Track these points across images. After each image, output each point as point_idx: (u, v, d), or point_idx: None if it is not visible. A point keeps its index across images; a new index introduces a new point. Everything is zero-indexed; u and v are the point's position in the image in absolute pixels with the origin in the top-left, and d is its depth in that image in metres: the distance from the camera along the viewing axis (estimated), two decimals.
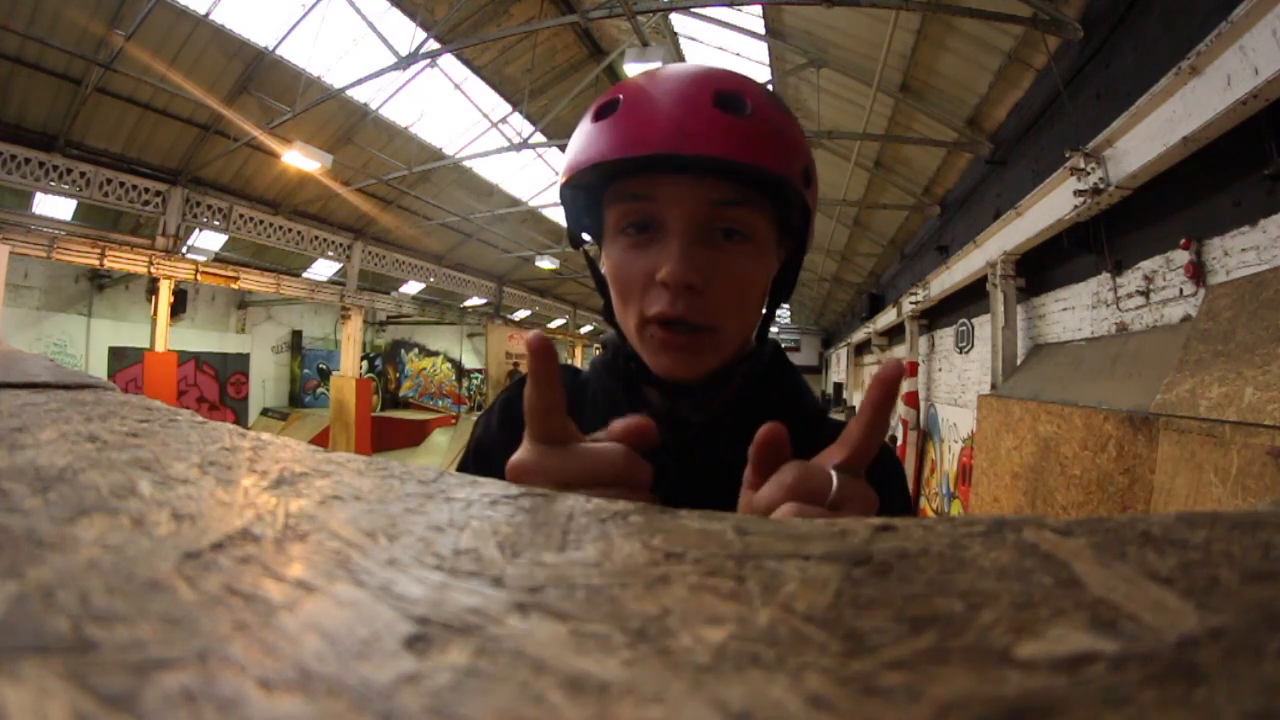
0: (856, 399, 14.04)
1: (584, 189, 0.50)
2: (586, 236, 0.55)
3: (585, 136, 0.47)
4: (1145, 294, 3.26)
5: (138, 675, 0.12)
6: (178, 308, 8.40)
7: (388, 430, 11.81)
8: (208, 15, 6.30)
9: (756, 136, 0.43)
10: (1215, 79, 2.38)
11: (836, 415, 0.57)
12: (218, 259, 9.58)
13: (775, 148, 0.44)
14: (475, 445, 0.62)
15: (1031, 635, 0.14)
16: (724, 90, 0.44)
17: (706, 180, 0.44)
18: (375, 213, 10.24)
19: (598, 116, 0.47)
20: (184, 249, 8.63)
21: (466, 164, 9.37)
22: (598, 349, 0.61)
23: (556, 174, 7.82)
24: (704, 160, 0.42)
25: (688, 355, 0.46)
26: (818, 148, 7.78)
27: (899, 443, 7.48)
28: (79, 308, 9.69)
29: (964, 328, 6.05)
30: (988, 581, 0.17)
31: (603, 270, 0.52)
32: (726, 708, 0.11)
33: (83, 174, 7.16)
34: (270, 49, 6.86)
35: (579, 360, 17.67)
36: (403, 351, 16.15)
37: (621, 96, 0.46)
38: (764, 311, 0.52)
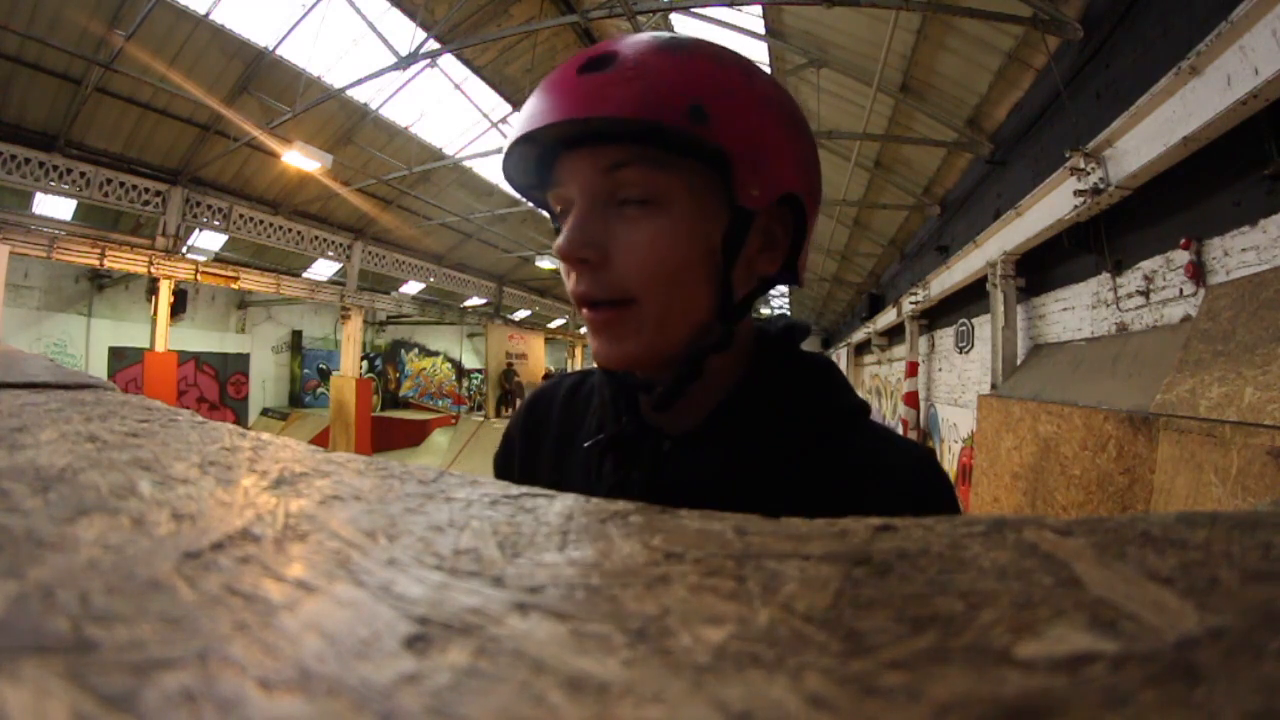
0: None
1: (521, 174, 0.47)
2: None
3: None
4: (1145, 294, 3.26)
5: (138, 675, 0.12)
6: (178, 308, 8.40)
7: (388, 430, 11.81)
8: (208, 15, 6.30)
9: (614, 87, 0.39)
10: (1215, 79, 2.38)
11: (889, 430, 0.48)
12: (218, 259, 9.58)
13: (637, 92, 0.38)
14: (503, 449, 0.62)
15: (1031, 635, 0.14)
16: (594, 55, 0.41)
17: (594, 149, 0.41)
18: (375, 213, 10.24)
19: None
20: (184, 249, 8.63)
21: (466, 164, 9.37)
22: None
23: None
24: (563, 126, 0.40)
25: (609, 335, 0.43)
26: (818, 147, 7.76)
27: None
28: (79, 308, 9.69)
29: (964, 328, 6.05)
30: (988, 581, 0.17)
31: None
32: (726, 708, 0.11)
33: (83, 174, 7.16)
34: (270, 49, 6.86)
35: (578, 360, 17.67)
36: (403, 351, 16.15)
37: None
38: (718, 291, 0.44)
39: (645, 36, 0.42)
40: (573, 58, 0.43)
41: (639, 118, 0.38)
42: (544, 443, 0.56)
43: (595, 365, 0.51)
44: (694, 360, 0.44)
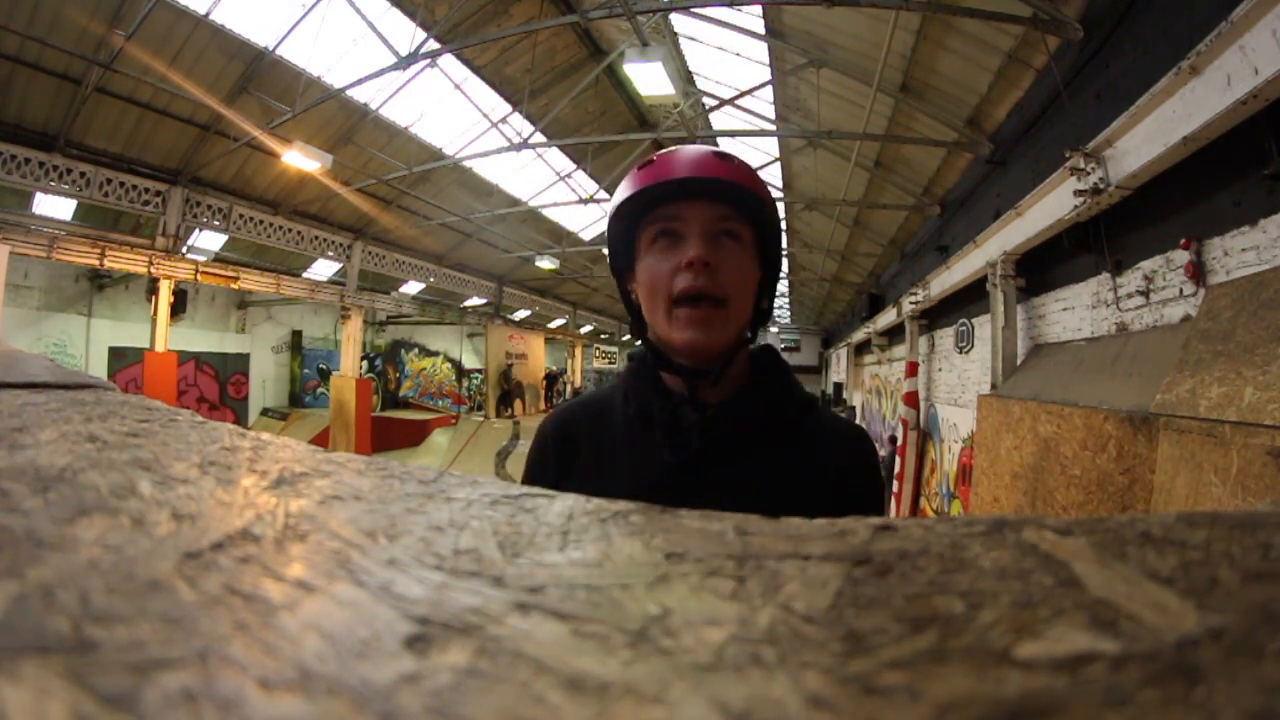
0: (856, 399, 14.05)
1: (625, 219, 0.68)
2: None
3: (631, 179, 0.67)
4: (1145, 294, 3.26)
5: (138, 675, 0.12)
6: (178, 308, 8.40)
7: (388, 430, 11.80)
8: (208, 15, 6.30)
9: (739, 173, 0.66)
10: (1215, 79, 2.38)
11: (836, 412, 0.77)
12: (218, 259, 9.58)
13: (751, 180, 0.66)
14: (531, 472, 0.76)
15: (1031, 635, 0.14)
16: (718, 152, 0.67)
17: (711, 203, 0.64)
18: (375, 213, 10.24)
19: (640, 168, 0.67)
20: (184, 249, 8.63)
21: (466, 164, 9.37)
22: (623, 363, 0.81)
23: (556, 173, 7.76)
24: (709, 182, 0.64)
25: (706, 327, 0.63)
26: (818, 148, 7.78)
27: (899, 443, 7.49)
28: (79, 308, 9.69)
29: (964, 328, 6.05)
30: (988, 581, 0.17)
31: (632, 294, 0.71)
32: (726, 708, 0.11)
33: (83, 174, 7.16)
34: (270, 49, 6.86)
35: (578, 360, 17.70)
36: (403, 351, 16.14)
37: (654, 157, 0.67)
38: (752, 312, 0.69)
39: (739, 158, 0.69)
40: (696, 147, 0.68)
41: (754, 191, 0.66)
42: (577, 454, 0.72)
43: (626, 375, 0.72)
44: (736, 350, 0.67)
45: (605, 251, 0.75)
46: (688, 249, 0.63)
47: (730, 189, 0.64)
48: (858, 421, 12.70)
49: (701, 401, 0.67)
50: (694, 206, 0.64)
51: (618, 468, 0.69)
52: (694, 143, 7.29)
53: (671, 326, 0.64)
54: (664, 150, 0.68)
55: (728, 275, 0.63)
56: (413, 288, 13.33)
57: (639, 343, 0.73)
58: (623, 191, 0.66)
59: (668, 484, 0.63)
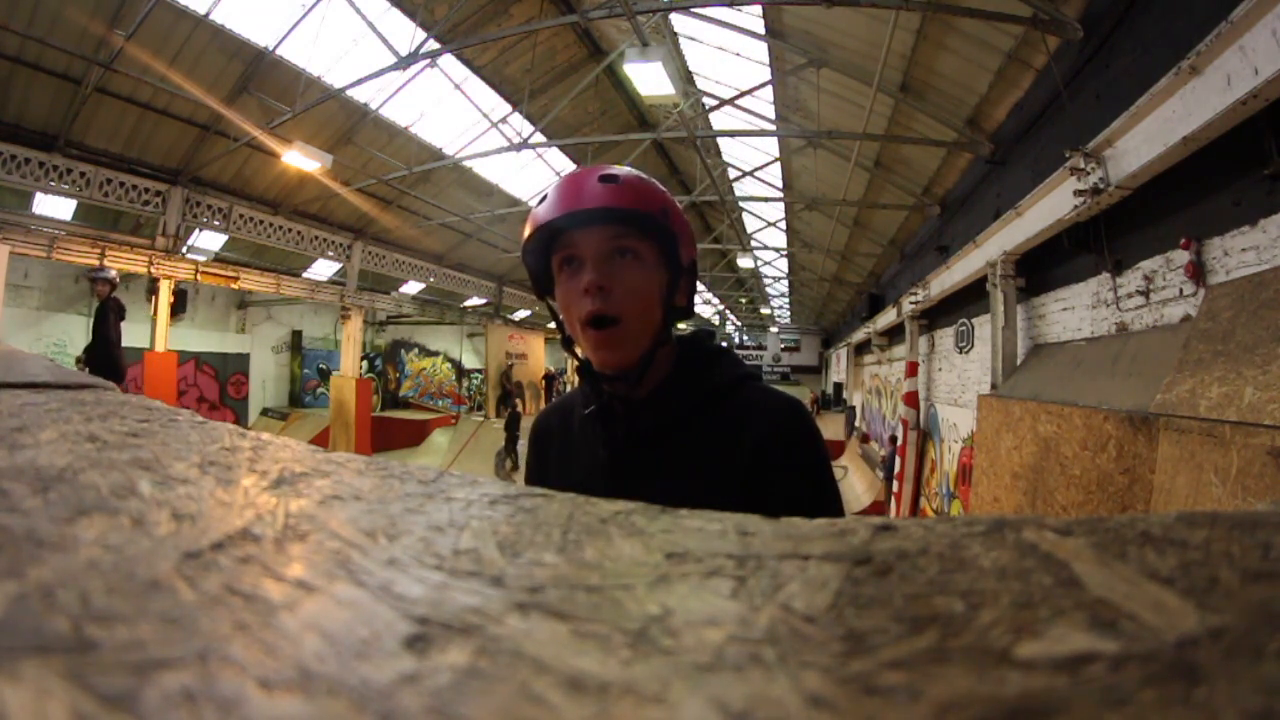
0: (856, 399, 14.04)
1: (535, 252, 0.74)
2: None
3: (531, 217, 0.71)
4: (1145, 294, 3.26)
5: (138, 675, 0.12)
6: (178, 308, 8.39)
7: (388, 430, 11.80)
8: (208, 15, 6.29)
9: (623, 193, 0.69)
10: (1215, 79, 2.38)
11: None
12: (218, 259, 9.58)
13: (634, 199, 0.69)
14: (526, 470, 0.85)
15: (1031, 635, 0.14)
16: (604, 173, 0.70)
17: (600, 226, 0.69)
18: (375, 213, 10.24)
19: (539, 203, 0.71)
20: (184, 249, 8.62)
21: (466, 164, 9.37)
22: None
23: (556, 173, 7.80)
24: (594, 212, 0.68)
25: (611, 348, 0.69)
26: (818, 148, 7.78)
27: (899, 442, 7.49)
28: (79, 308, 9.68)
29: (964, 328, 6.05)
30: (988, 581, 0.17)
31: (555, 309, 0.75)
32: (726, 707, 0.11)
33: (83, 174, 7.16)
34: (270, 49, 6.86)
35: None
36: (403, 351, 16.14)
37: (549, 191, 0.72)
38: (665, 313, 0.73)
39: (628, 170, 0.73)
40: (586, 171, 0.71)
41: (641, 210, 0.69)
42: (550, 451, 0.81)
43: (575, 383, 0.80)
44: (653, 352, 0.71)
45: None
46: (584, 275, 0.69)
47: (615, 214, 0.68)
48: (857, 422, 12.73)
49: (629, 399, 0.73)
50: (586, 233, 0.69)
51: (575, 463, 0.77)
52: (694, 143, 7.33)
53: (585, 346, 0.71)
54: (560, 180, 0.73)
55: (621, 292, 0.68)
56: (413, 288, 13.32)
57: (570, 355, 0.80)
58: (527, 228, 0.72)
59: (605, 475, 0.72)
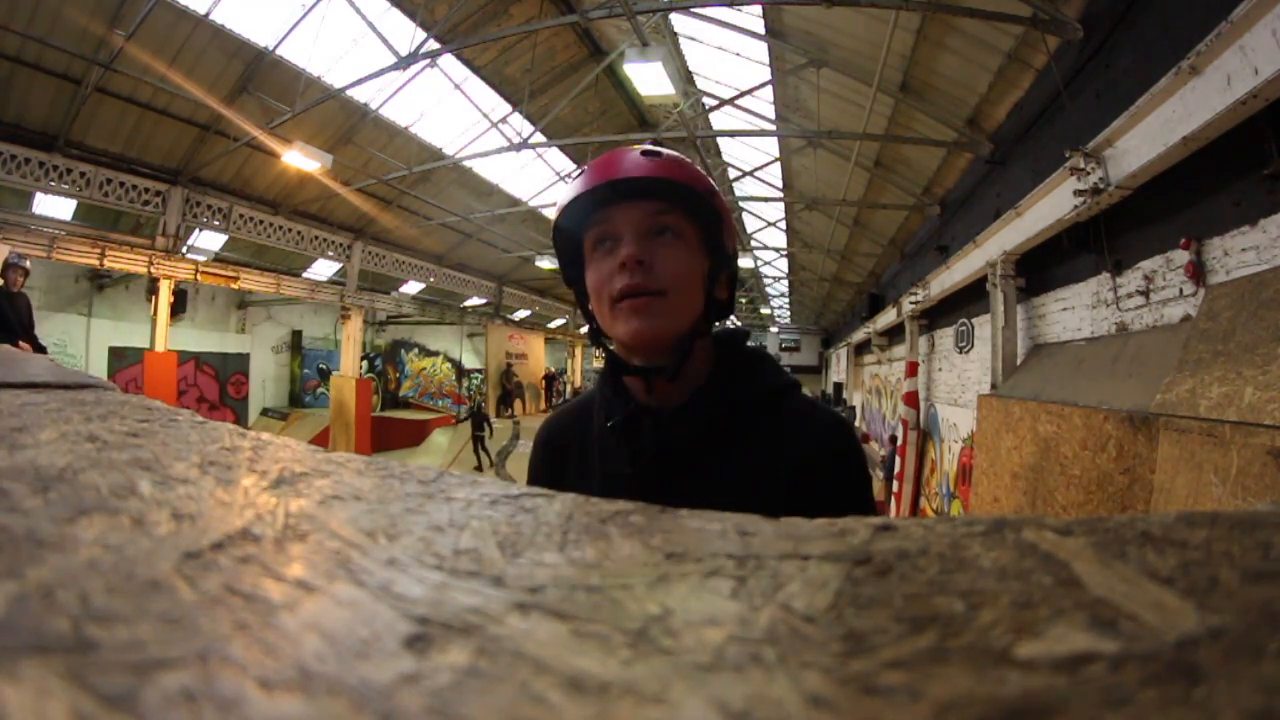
0: (856, 399, 14.04)
1: (566, 232, 0.69)
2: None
3: (566, 190, 0.67)
4: (1145, 294, 3.26)
5: (138, 675, 0.12)
6: (178, 308, 8.39)
7: (388, 430, 11.80)
8: (208, 15, 6.29)
9: (669, 166, 0.65)
10: (1215, 79, 2.38)
11: (818, 401, 0.74)
12: (218, 259, 9.57)
13: (679, 173, 0.65)
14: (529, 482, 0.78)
15: (1031, 635, 0.14)
16: (645, 149, 0.67)
17: (642, 202, 0.64)
18: (375, 213, 10.24)
19: (574, 179, 0.68)
20: (184, 249, 8.62)
21: (466, 164, 9.37)
22: (601, 362, 0.77)
23: (556, 173, 7.78)
24: (637, 181, 0.64)
25: (647, 316, 0.62)
26: (818, 148, 7.78)
27: (899, 443, 7.49)
28: (79, 307, 9.69)
29: (964, 328, 6.05)
30: (988, 581, 0.17)
31: (589, 303, 0.70)
32: (726, 708, 0.11)
33: (83, 174, 7.16)
34: (270, 49, 6.86)
35: (578, 360, 17.72)
36: (403, 351, 16.14)
37: (586, 166, 0.68)
38: (706, 301, 0.67)
39: (670, 151, 0.69)
40: (623, 149, 0.68)
41: (683, 183, 0.64)
42: (569, 460, 0.74)
43: (576, 385, 0.86)
44: (689, 341, 0.65)
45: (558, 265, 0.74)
46: (622, 250, 0.63)
47: (659, 185, 0.64)
48: (857, 422, 12.73)
49: (658, 408, 0.66)
50: (626, 208, 0.64)
51: (593, 475, 0.69)
52: (694, 143, 7.33)
53: (615, 321, 0.63)
54: (596, 159, 0.69)
55: (663, 268, 0.63)
56: (413, 288, 13.32)
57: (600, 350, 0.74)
58: (561, 200, 0.67)
59: (628, 493, 0.58)
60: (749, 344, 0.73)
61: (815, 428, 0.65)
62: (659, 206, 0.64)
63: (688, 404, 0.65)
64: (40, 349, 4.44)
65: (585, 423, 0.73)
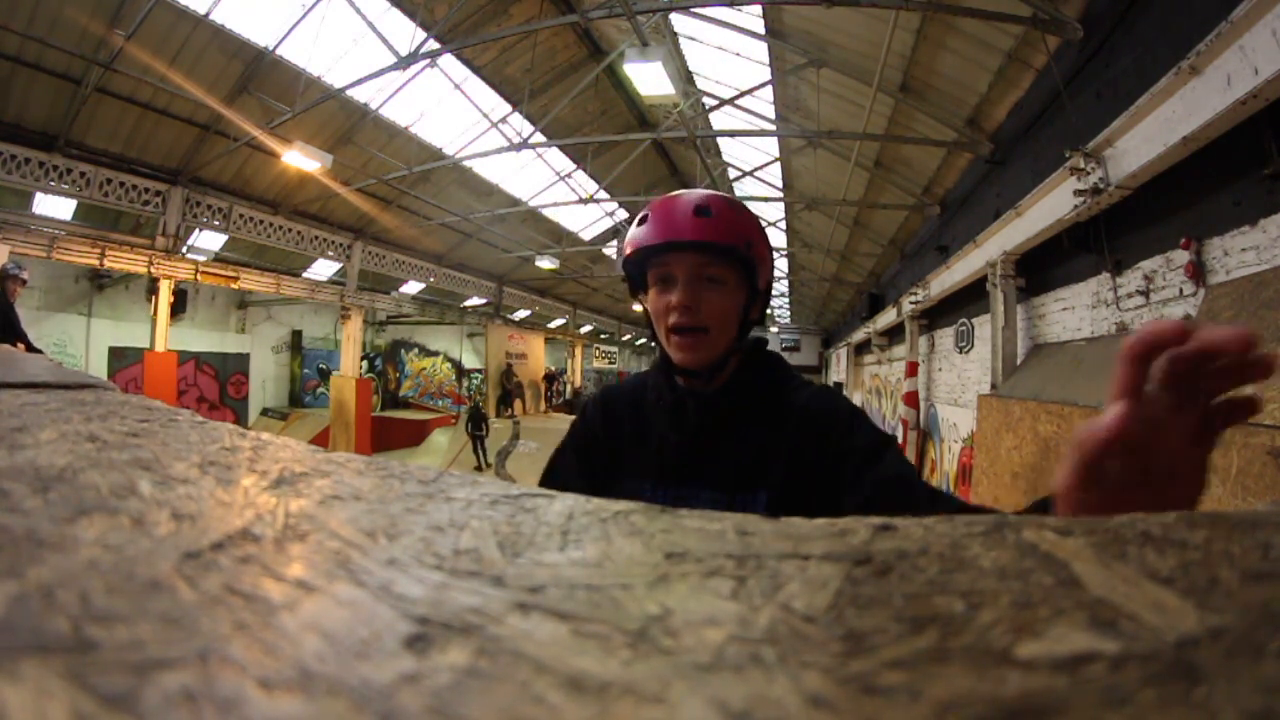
0: (856, 399, 14.04)
1: (633, 263, 0.85)
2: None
3: (634, 232, 0.83)
4: (1145, 294, 3.26)
5: (138, 675, 0.12)
6: (178, 308, 8.39)
7: (388, 430, 11.81)
8: (208, 15, 6.29)
9: (716, 228, 0.80)
10: (1215, 79, 2.38)
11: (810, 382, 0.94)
12: (218, 259, 9.57)
13: (726, 232, 0.80)
14: (577, 441, 0.94)
15: (1031, 635, 0.14)
16: (699, 204, 0.81)
17: (694, 253, 0.80)
18: (375, 213, 10.24)
19: (640, 223, 0.83)
20: (184, 249, 8.62)
21: (466, 164, 9.37)
22: (601, 362, 0.82)
23: (556, 173, 7.78)
24: (689, 243, 0.80)
25: (694, 351, 0.81)
26: (818, 147, 7.78)
27: (899, 442, 7.48)
28: (79, 308, 9.69)
29: (964, 328, 6.05)
30: (988, 581, 0.17)
31: (648, 309, 0.88)
32: (726, 707, 0.11)
33: (83, 174, 7.16)
34: (270, 49, 6.86)
35: (578, 360, 17.76)
36: (403, 351, 16.14)
37: (651, 211, 0.83)
38: (740, 326, 0.84)
39: (721, 195, 0.84)
40: (682, 199, 0.83)
41: (728, 245, 0.80)
42: (624, 427, 0.91)
43: (651, 369, 0.93)
44: (727, 359, 0.84)
45: (623, 277, 0.91)
46: (675, 293, 0.81)
47: (706, 246, 0.80)
48: None
49: (700, 391, 0.85)
50: (680, 257, 0.81)
51: (647, 445, 0.88)
52: (694, 143, 7.33)
53: (670, 346, 0.83)
54: (660, 201, 0.84)
55: (708, 310, 0.80)
56: (413, 288, 13.32)
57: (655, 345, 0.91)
58: (629, 244, 0.85)
59: (678, 455, 0.84)
60: (765, 348, 0.94)
61: (820, 401, 0.84)
62: (705, 259, 0.80)
63: (720, 390, 0.85)
64: (34, 351, 4.47)
65: (639, 400, 0.92)
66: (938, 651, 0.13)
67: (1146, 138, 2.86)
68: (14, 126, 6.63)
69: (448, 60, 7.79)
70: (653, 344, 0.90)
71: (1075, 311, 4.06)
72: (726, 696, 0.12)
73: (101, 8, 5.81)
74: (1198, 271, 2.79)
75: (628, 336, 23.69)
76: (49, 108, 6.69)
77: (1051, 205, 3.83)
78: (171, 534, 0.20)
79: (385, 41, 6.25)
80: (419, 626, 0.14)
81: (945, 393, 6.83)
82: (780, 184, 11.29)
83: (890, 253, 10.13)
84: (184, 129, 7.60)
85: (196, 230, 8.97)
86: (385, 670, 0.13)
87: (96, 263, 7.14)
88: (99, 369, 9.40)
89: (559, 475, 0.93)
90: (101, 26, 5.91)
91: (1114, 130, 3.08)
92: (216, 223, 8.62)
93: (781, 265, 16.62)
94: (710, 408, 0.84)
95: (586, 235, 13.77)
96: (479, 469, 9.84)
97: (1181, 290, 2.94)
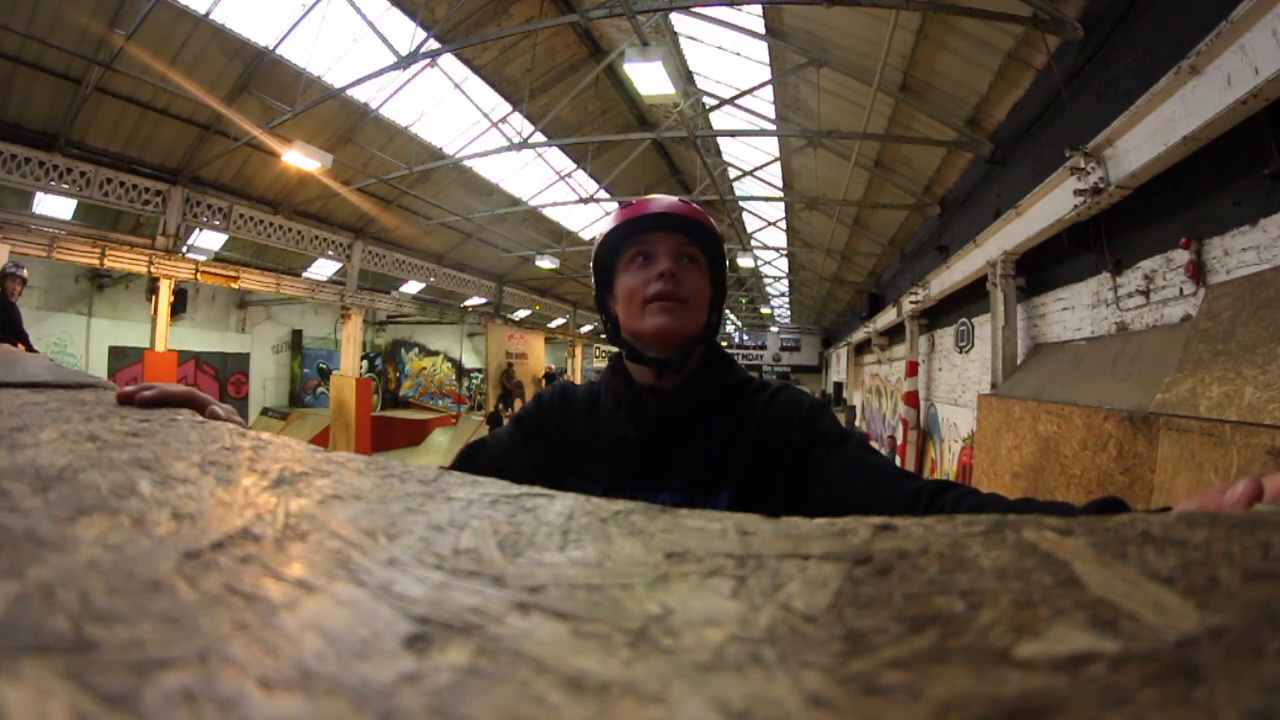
0: (856, 398, 14.04)
1: (608, 249, 0.87)
2: None
3: (615, 217, 0.87)
4: (1145, 293, 3.26)
5: (138, 675, 0.12)
6: (178, 307, 8.39)
7: (388, 430, 11.80)
8: (208, 15, 6.29)
9: (695, 212, 0.85)
10: (1215, 78, 2.38)
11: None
12: (218, 259, 9.57)
13: (703, 219, 0.86)
14: (530, 425, 0.91)
15: (1031, 635, 0.14)
16: (680, 199, 0.86)
17: (676, 234, 0.84)
18: (375, 212, 10.23)
19: (622, 209, 0.87)
20: (184, 248, 8.61)
21: (466, 164, 9.37)
22: (601, 362, 0.80)
23: (557, 173, 7.76)
24: (674, 218, 0.84)
25: (672, 315, 0.80)
26: (818, 147, 7.78)
27: (899, 442, 7.48)
28: (79, 307, 9.69)
29: (964, 327, 6.05)
30: (988, 581, 0.17)
31: (609, 305, 0.89)
32: (726, 708, 0.11)
33: (83, 173, 7.15)
34: (270, 49, 6.85)
35: (578, 359, 17.74)
36: (403, 351, 16.13)
37: (633, 201, 0.87)
38: (707, 316, 0.86)
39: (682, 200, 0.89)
40: (671, 197, 0.87)
41: (706, 226, 0.86)
42: (576, 426, 0.88)
43: (606, 373, 0.91)
44: (693, 346, 0.84)
45: (591, 275, 0.92)
46: (659, 265, 0.82)
47: (689, 224, 0.85)
48: (858, 422, 12.74)
49: (660, 388, 0.84)
50: (663, 236, 0.84)
51: (601, 442, 0.85)
52: (694, 142, 7.33)
53: (645, 318, 0.82)
54: (639, 198, 0.89)
55: (688, 283, 0.82)
56: (413, 287, 13.32)
57: (614, 347, 0.91)
58: (609, 224, 0.87)
59: (636, 456, 0.81)
60: (722, 349, 0.96)
61: (777, 396, 0.85)
62: (686, 239, 0.84)
63: (684, 385, 0.84)
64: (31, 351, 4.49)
65: (593, 406, 0.90)
66: (938, 651, 0.13)
67: (1147, 137, 2.86)
68: (14, 126, 6.63)
69: (448, 60, 7.78)
70: (611, 343, 0.90)
71: (1075, 311, 4.06)
72: (727, 696, 0.12)
73: (101, 8, 5.81)
74: (1198, 271, 2.79)
75: None
76: (49, 107, 6.69)
77: (1051, 205, 3.83)
78: (171, 534, 0.20)
79: (385, 41, 6.24)
80: (419, 626, 0.14)
81: (945, 392, 6.83)
82: (780, 184, 11.29)
83: (890, 252, 10.13)
84: (184, 129, 7.60)
85: (196, 230, 8.97)
86: (385, 670, 0.13)
87: (97, 262, 7.13)
88: (99, 369, 9.40)
89: (480, 459, 0.88)
90: (101, 26, 5.90)
91: (1114, 130, 3.08)
92: (216, 222, 8.62)
93: (781, 265, 16.62)
94: (671, 404, 0.83)
95: (587, 235, 13.77)
96: None
97: (1181, 290, 2.94)
